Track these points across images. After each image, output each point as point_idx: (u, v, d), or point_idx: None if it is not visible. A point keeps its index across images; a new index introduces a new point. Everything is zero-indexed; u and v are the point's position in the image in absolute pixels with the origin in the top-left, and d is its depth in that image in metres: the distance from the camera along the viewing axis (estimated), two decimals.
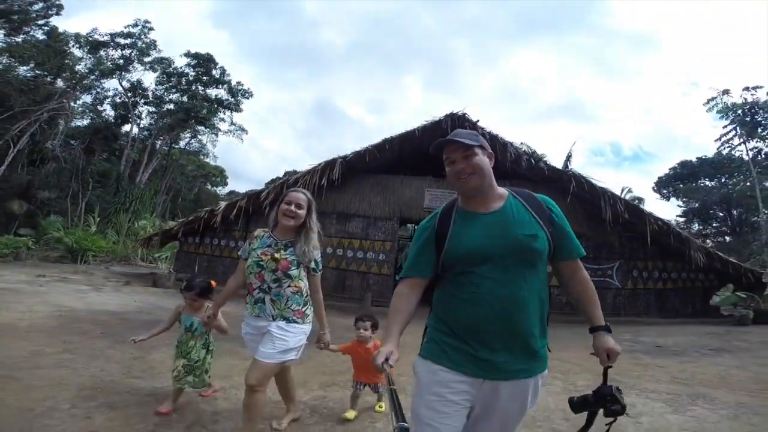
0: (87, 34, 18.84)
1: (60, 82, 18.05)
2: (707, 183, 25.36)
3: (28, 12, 16.23)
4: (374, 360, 1.11)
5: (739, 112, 19.64)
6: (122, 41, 19.38)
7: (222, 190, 37.00)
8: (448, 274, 1.28)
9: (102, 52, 19.19)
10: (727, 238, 25.01)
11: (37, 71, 16.69)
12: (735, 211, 24.60)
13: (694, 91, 79.92)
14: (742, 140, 20.31)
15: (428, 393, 1.19)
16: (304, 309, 2.07)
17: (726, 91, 19.93)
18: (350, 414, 2.58)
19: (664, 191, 28.27)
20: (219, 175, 33.30)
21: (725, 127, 20.50)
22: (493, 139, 8.31)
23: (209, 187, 33.06)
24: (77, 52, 18.70)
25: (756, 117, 19.55)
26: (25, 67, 16.56)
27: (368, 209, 9.00)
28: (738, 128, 19.99)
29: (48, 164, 17.42)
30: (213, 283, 2.62)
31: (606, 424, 1.16)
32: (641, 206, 24.04)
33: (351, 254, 8.86)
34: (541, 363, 1.23)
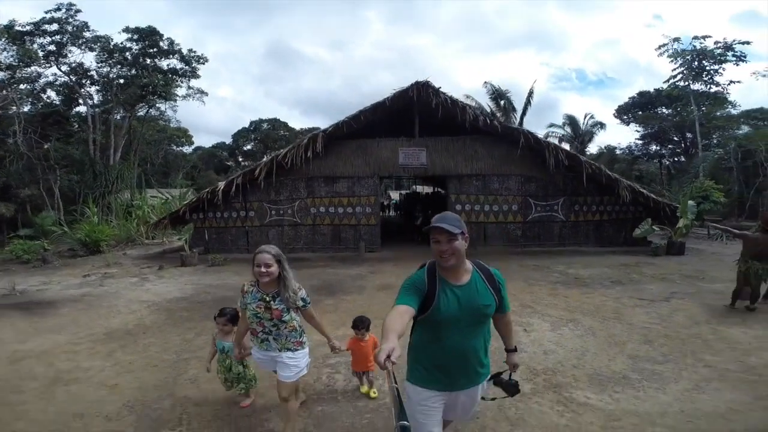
0: (5, 25, 17.77)
1: None
2: (664, 110, 27.02)
3: None
4: (376, 357, 1.28)
5: (688, 57, 21.48)
6: (49, 28, 18.46)
7: (188, 149, 36.59)
8: (427, 325, 1.74)
9: (28, 42, 18.32)
10: (682, 158, 27.63)
11: None
12: (688, 134, 26.76)
13: (657, 23, 78.36)
14: (687, 83, 22.34)
15: (418, 404, 1.78)
16: (301, 339, 2.49)
17: (677, 39, 21.80)
18: (364, 389, 3.16)
19: (624, 117, 30.26)
20: (183, 136, 33.31)
21: (674, 70, 22.39)
22: (454, 104, 9.56)
23: (174, 148, 33.13)
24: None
25: (702, 63, 21.50)
26: None
27: (351, 170, 10.39)
28: (684, 72, 21.98)
29: (12, 161, 17.38)
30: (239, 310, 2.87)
31: (503, 397, 2.04)
32: (594, 133, 25.19)
33: (342, 210, 10.43)
34: (485, 375, 1.85)
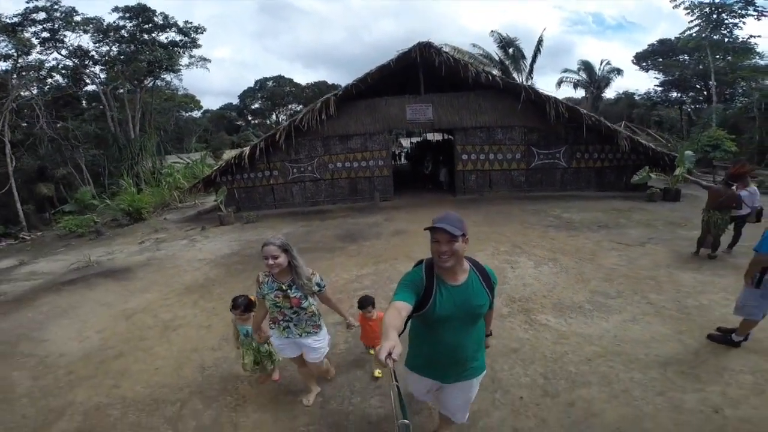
0: None
1: None
2: (686, 57, 25.85)
3: None
4: (377, 356, 1.29)
5: (706, 10, 20.14)
6: (38, 17, 18.39)
7: (197, 114, 37.39)
8: (422, 320, 1.83)
9: (20, 33, 18.33)
10: (705, 105, 26.53)
11: None
12: (711, 83, 25.59)
13: None
14: (704, 35, 21.11)
15: (415, 382, 2.10)
16: (319, 323, 2.67)
17: None
18: (377, 372, 3.31)
19: (644, 64, 29.09)
20: (191, 102, 33.97)
21: (690, 21, 21.06)
22: (456, 62, 9.86)
23: (184, 114, 33.94)
24: None
25: (722, 16, 20.30)
26: None
27: (363, 128, 11.03)
28: (702, 24, 20.79)
29: (42, 144, 18.50)
30: (252, 298, 3.06)
31: None
32: (611, 79, 24.57)
33: (356, 164, 11.28)
34: (478, 370, 1.97)
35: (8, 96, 16.88)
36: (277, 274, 2.47)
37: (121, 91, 21.26)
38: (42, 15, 18.53)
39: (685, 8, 21.08)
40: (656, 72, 28.99)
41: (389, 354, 1.24)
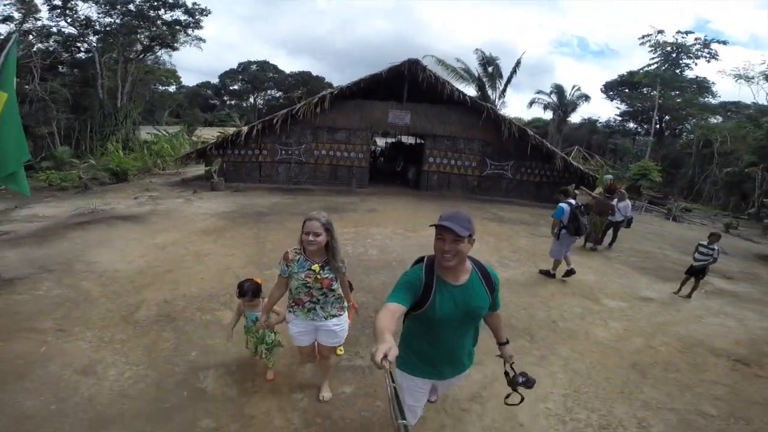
0: None
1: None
2: (650, 91, 28.56)
3: None
4: (373, 357, 1.23)
5: (668, 49, 23.73)
6: None
7: (172, 88, 36.74)
8: (421, 319, 1.81)
9: None
10: (655, 138, 29.99)
11: None
12: (667, 117, 29.10)
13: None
14: (658, 72, 24.69)
15: (407, 388, 1.99)
16: (343, 304, 2.61)
17: (660, 31, 24.08)
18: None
19: (610, 93, 32.47)
20: (172, 76, 33.54)
21: (652, 59, 24.74)
22: (437, 79, 11.78)
23: (160, 87, 33.74)
24: None
25: (680, 56, 24.05)
26: None
27: (349, 124, 12.69)
28: (661, 63, 24.44)
29: (32, 104, 18.49)
30: (258, 281, 2.96)
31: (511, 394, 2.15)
32: (578, 104, 27.16)
33: (339, 154, 12.91)
34: (468, 365, 2.01)
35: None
36: (310, 252, 2.36)
37: (116, 60, 21.51)
38: None
39: (650, 46, 24.58)
40: (619, 102, 32.05)
41: (385, 356, 1.23)
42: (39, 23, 19.88)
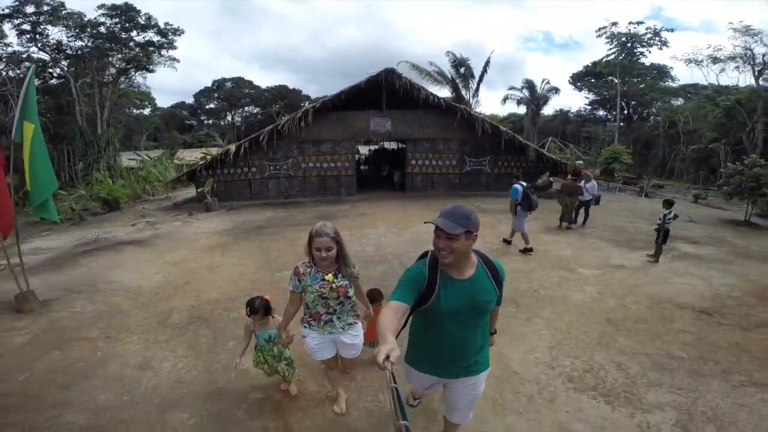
0: None
1: None
2: (614, 80, 29.89)
3: None
4: (376, 358, 1.26)
5: (623, 39, 25.61)
6: (28, 10, 18.89)
7: (146, 111, 36.58)
8: (426, 315, 1.80)
9: (7, 24, 18.85)
10: (624, 123, 31.72)
11: None
12: (633, 102, 30.68)
13: None
14: (617, 60, 26.40)
15: (415, 378, 2.04)
16: (357, 311, 2.60)
17: (615, 23, 26.01)
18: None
19: (578, 84, 34.09)
20: (146, 98, 33.84)
21: (609, 50, 26.60)
22: (412, 86, 12.53)
23: (135, 111, 33.91)
24: None
25: (634, 45, 26.02)
26: None
27: (333, 135, 13.28)
28: (617, 53, 26.36)
29: (9, 135, 18.21)
30: (268, 298, 2.90)
31: None
32: (549, 98, 28.23)
33: (326, 165, 13.47)
34: (483, 365, 1.93)
35: None
36: (322, 265, 2.37)
37: (90, 85, 21.60)
38: (31, 8, 18.86)
39: (606, 37, 26.47)
40: (587, 91, 33.61)
41: (387, 357, 1.24)
42: (9, 49, 19.86)
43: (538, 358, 3.75)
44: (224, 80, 46.23)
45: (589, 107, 35.54)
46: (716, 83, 24.80)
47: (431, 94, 12.71)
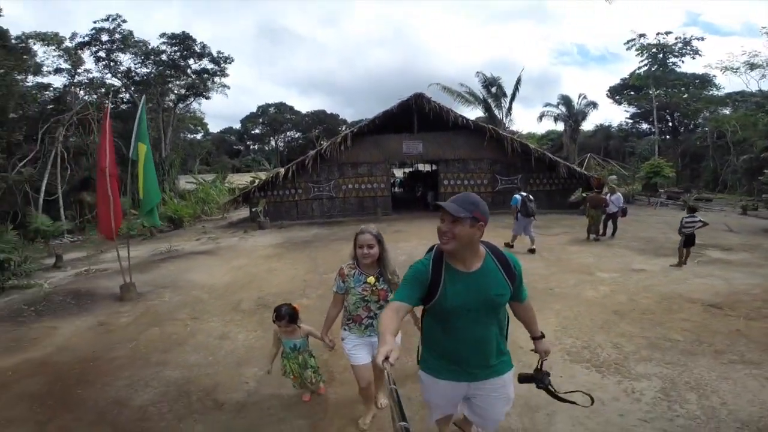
0: (69, 37, 20.85)
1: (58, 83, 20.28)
2: (656, 91, 28.41)
3: None
4: (375, 359, 1.27)
5: (654, 50, 25.23)
6: (104, 38, 21.37)
7: (198, 136, 37.98)
8: (435, 313, 1.73)
9: (87, 51, 21.20)
10: (668, 137, 30.55)
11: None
12: (676, 115, 29.35)
13: None
14: (650, 73, 25.86)
15: (434, 392, 1.85)
16: None
17: (642, 35, 25.55)
18: None
19: (617, 97, 32.86)
20: (199, 123, 35.85)
21: (641, 62, 26.02)
22: (441, 108, 13.52)
23: (189, 135, 35.09)
24: (41, 50, 20.20)
25: (667, 55, 25.45)
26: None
27: (369, 158, 14.51)
28: (650, 65, 25.78)
29: (89, 158, 19.86)
30: (296, 306, 2.95)
31: (537, 387, 1.93)
32: (587, 113, 27.57)
33: (364, 186, 14.66)
34: (507, 364, 1.82)
35: (68, 109, 19.19)
36: (365, 265, 2.45)
37: (154, 110, 23.39)
38: (106, 36, 21.40)
39: (637, 49, 25.86)
40: (627, 105, 32.31)
41: (386, 358, 1.24)
42: (90, 75, 22.05)
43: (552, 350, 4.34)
44: (268, 106, 49.30)
45: (630, 121, 34.34)
46: (761, 89, 23.51)
47: (460, 115, 13.62)
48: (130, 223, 12.39)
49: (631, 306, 5.19)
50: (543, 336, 2.02)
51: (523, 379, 1.96)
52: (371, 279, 2.47)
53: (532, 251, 8.01)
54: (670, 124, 30.14)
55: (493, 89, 23.64)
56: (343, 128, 34.62)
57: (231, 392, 3.41)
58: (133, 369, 3.97)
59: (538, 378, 1.94)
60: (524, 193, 8.37)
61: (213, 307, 5.62)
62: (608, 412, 3.02)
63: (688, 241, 6.95)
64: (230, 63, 25.42)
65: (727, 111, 26.03)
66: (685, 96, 26.70)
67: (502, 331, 1.82)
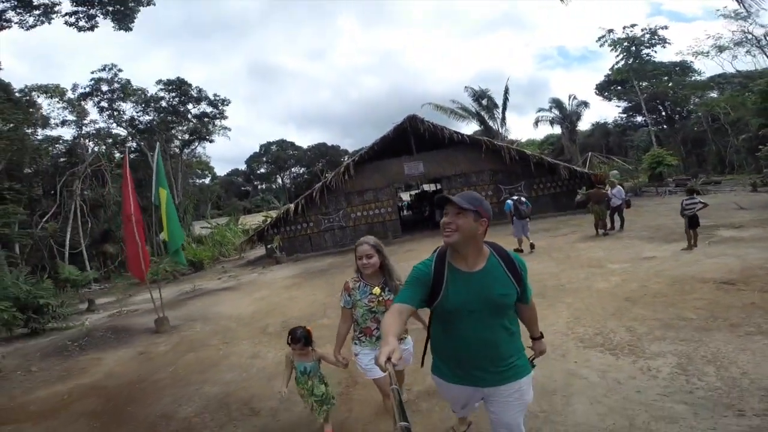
0: (71, 88, 21.68)
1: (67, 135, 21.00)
2: (642, 84, 28.64)
3: None
4: (377, 360, 1.27)
5: (625, 44, 25.85)
6: (104, 87, 22.18)
7: (206, 180, 38.81)
8: (439, 315, 1.72)
9: (90, 102, 21.90)
10: (665, 126, 30.56)
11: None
12: (666, 104, 29.33)
13: None
14: (628, 65, 26.30)
15: (448, 395, 1.88)
16: (406, 327, 2.34)
17: (610, 30, 26.35)
18: None
19: (605, 94, 33.03)
20: (206, 167, 36.68)
21: (617, 56, 26.66)
22: (436, 127, 14.05)
23: (198, 181, 35.90)
24: (45, 103, 20.97)
25: (639, 47, 26.06)
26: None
27: (373, 184, 15.00)
28: (625, 58, 26.39)
29: (108, 210, 20.93)
30: (310, 329, 2.94)
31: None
32: (580, 113, 27.51)
33: (371, 212, 15.06)
34: (523, 369, 1.72)
35: (80, 161, 19.78)
36: (367, 276, 2.49)
37: (163, 157, 24.17)
38: (105, 87, 22.15)
39: (609, 45, 26.51)
40: (617, 100, 32.39)
41: (388, 358, 1.24)
42: (96, 126, 22.69)
43: (555, 329, 4.47)
44: (269, 144, 50.31)
45: (624, 115, 34.21)
46: (739, 70, 23.75)
47: (454, 131, 14.14)
48: (156, 267, 13.04)
49: (643, 292, 5.28)
50: (542, 336, 2.02)
51: None
52: (377, 290, 2.50)
53: (532, 246, 8.48)
54: (664, 114, 30.15)
55: (484, 101, 24.04)
56: (345, 158, 35.10)
57: (265, 401, 3.66)
58: (176, 388, 4.29)
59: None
60: (515, 197, 8.82)
61: (242, 333, 6.00)
62: (625, 390, 3.08)
63: (692, 222, 7.06)
64: (227, 105, 26.18)
65: (714, 94, 26.01)
66: (670, 85, 26.82)
67: (513, 335, 1.74)
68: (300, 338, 2.82)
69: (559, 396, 3.09)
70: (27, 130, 19.62)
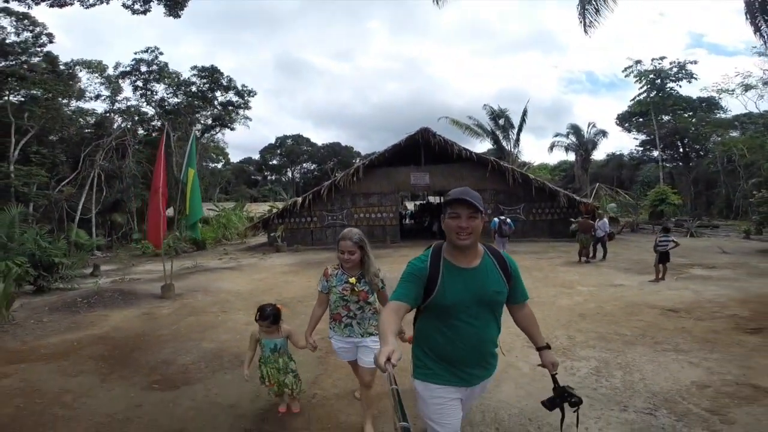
0: (113, 66, 22.73)
1: (99, 108, 21.83)
2: (663, 117, 28.52)
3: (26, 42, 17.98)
4: (376, 360, 1.25)
5: (651, 76, 25.76)
6: (144, 68, 23.24)
7: (219, 165, 38.84)
8: (432, 311, 1.68)
9: (128, 80, 22.93)
10: (680, 163, 30.57)
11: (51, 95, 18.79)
12: (686, 141, 29.03)
13: (661, 20, 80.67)
14: (649, 99, 26.20)
15: (432, 403, 1.68)
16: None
17: (638, 61, 26.28)
18: None
19: (626, 125, 32.82)
20: (221, 153, 36.86)
21: (640, 88, 26.60)
22: (446, 142, 14.78)
23: (210, 165, 36.20)
24: (85, 77, 22.03)
25: (664, 81, 25.94)
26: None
27: (380, 189, 15.76)
28: (649, 90, 26.28)
29: (123, 182, 21.71)
30: (280, 307, 2.98)
31: (574, 411, 1.79)
32: (597, 142, 27.64)
33: (374, 215, 15.81)
34: (495, 368, 1.81)
35: (107, 134, 20.73)
36: (347, 267, 2.58)
37: (181, 139, 24.42)
38: (144, 68, 23.32)
39: (635, 76, 26.34)
40: (636, 132, 32.07)
41: (388, 359, 1.23)
42: (128, 103, 23.71)
43: (511, 331, 5.04)
44: (285, 137, 50.95)
45: (641, 149, 33.79)
46: (764, 111, 23.39)
47: (464, 148, 14.84)
48: (168, 237, 13.83)
49: (596, 311, 5.90)
50: (548, 346, 1.89)
51: (550, 404, 1.83)
52: (352, 279, 2.58)
53: None
54: (681, 150, 29.81)
55: (501, 121, 24.12)
56: (357, 160, 35.71)
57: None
58: (176, 342, 5.03)
59: (566, 394, 1.80)
60: (502, 217, 10.23)
61: (239, 305, 6.73)
62: (546, 381, 3.50)
63: (663, 258, 7.62)
64: (253, 96, 27.24)
65: (735, 134, 25.47)
66: (693, 120, 26.50)
67: (499, 333, 1.78)
68: (269, 315, 2.87)
69: (493, 380, 3.80)
70: (63, 101, 20.69)
